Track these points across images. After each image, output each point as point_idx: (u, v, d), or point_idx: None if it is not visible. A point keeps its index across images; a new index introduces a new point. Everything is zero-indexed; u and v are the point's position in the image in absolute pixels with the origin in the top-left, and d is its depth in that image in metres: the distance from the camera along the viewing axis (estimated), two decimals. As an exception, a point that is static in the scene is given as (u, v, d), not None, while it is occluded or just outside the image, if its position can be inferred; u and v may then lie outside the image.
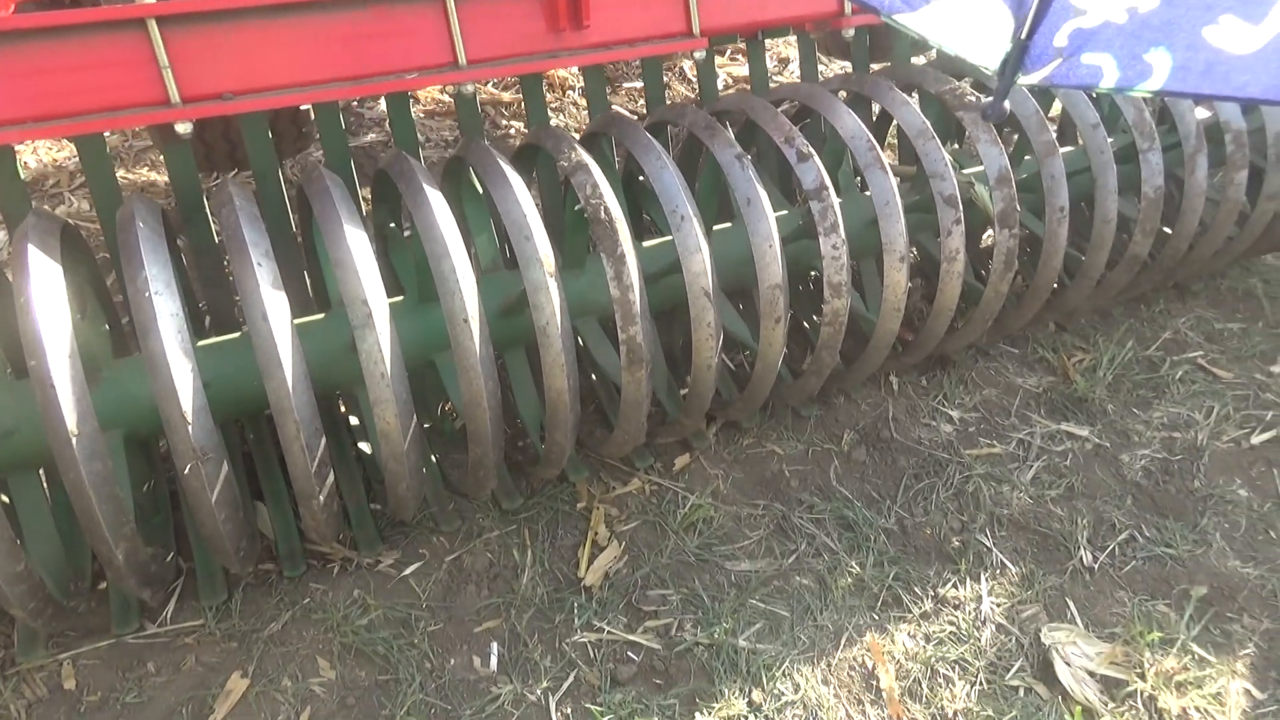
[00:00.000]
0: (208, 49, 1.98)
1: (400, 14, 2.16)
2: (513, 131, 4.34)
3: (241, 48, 2.01)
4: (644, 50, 2.45)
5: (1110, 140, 2.67)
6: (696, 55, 2.55)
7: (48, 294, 1.62)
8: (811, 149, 2.25)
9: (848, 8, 2.70)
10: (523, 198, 1.99)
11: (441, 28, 2.20)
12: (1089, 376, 2.98)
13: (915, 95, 2.78)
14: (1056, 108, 3.42)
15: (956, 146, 3.18)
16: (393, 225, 2.49)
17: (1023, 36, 1.77)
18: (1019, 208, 2.44)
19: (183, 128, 1.99)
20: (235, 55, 2.01)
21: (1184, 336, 3.22)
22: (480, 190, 2.32)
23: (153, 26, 1.90)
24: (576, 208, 2.32)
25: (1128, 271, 2.87)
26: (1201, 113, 2.86)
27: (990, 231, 2.83)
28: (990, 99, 1.85)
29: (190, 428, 1.63)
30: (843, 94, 2.69)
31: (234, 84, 2.02)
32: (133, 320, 1.68)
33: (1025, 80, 1.80)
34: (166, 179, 3.68)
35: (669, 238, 2.25)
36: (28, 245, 1.68)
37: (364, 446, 2.46)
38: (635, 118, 2.39)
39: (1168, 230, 2.94)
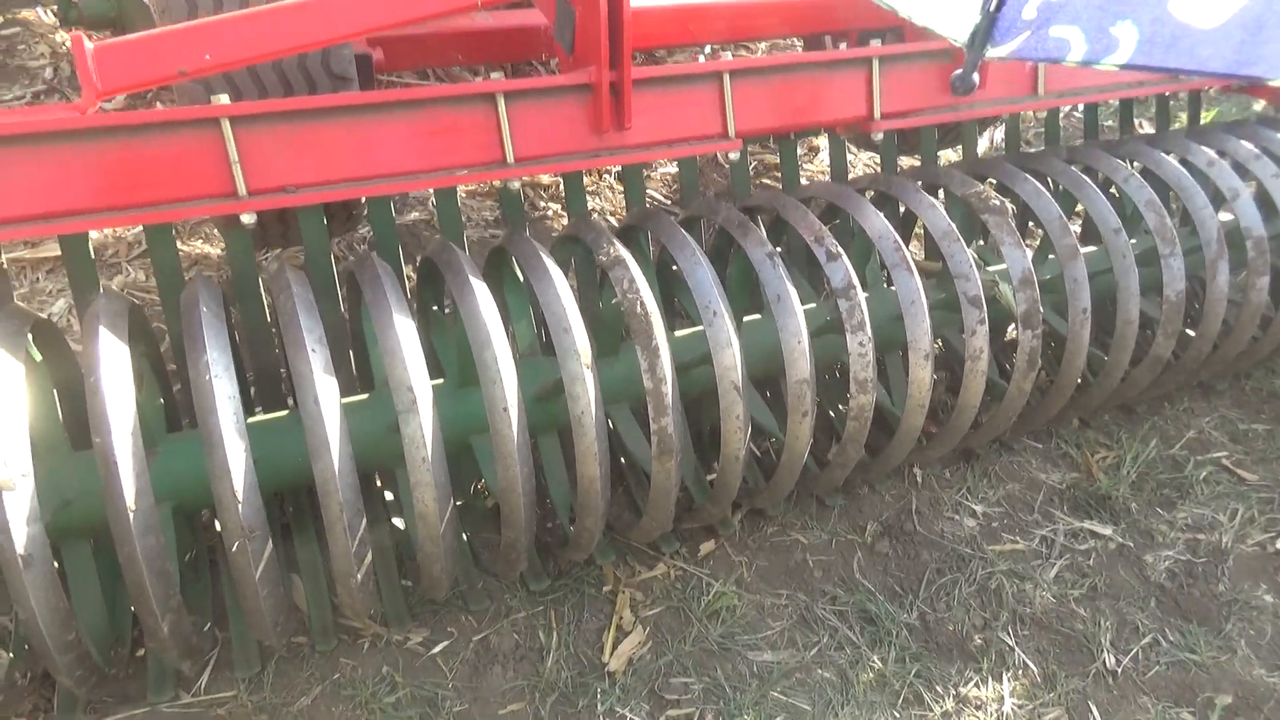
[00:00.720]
0: (274, 145, 2.11)
1: (454, 114, 2.29)
2: (550, 213, 4.49)
3: (306, 144, 2.14)
4: (681, 151, 2.56)
5: (1132, 242, 2.74)
6: (731, 156, 2.67)
7: (115, 375, 1.71)
8: (840, 249, 2.34)
9: (877, 113, 2.82)
10: (562, 290, 2.08)
11: (492, 127, 2.33)
12: (1112, 474, 3.00)
13: (940, 194, 2.87)
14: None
15: (981, 243, 3.27)
16: (435, 308, 2.60)
17: (991, 9, 1.77)
18: (1042, 308, 2.50)
19: (248, 218, 2.12)
20: (299, 151, 2.14)
21: (1208, 436, 3.23)
22: (521, 278, 2.42)
23: (226, 125, 2.04)
24: (614, 301, 2.41)
25: (1151, 371, 2.91)
26: (1224, 216, 2.93)
27: (1014, 326, 2.89)
28: (960, 71, 1.86)
29: (240, 506, 1.71)
30: (870, 193, 2.79)
31: (296, 177, 2.15)
32: (191, 397, 1.78)
33: (994, 52, 1.80)
34: (219, 252, 3.86)
35: (699, 328, 2.34)
36: (99, 327, 1.79)
37: (397, 522, 2.53)
38: (671, 209, 2.49)
39: (1191, 332, 2.99)
